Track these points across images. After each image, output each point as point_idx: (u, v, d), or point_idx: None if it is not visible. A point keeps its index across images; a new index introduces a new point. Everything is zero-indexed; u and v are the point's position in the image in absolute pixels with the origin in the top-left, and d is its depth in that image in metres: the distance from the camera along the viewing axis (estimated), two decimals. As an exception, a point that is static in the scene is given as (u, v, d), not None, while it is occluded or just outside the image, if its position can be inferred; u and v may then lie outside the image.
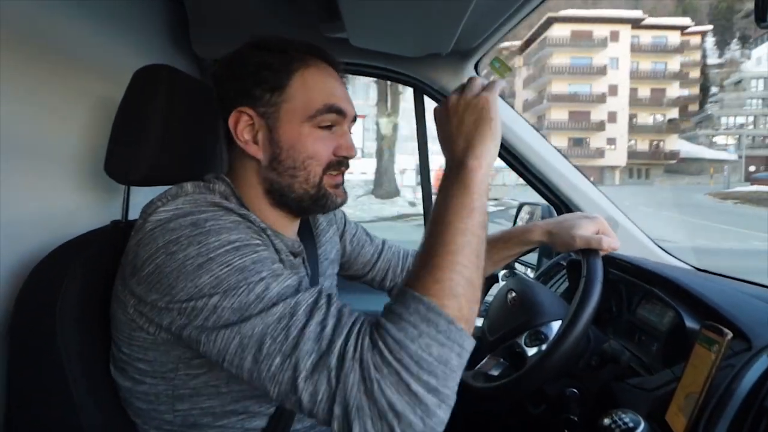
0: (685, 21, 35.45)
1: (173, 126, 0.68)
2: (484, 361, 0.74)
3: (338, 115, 0.59)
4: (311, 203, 0.61)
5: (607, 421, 0.51)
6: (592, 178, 1.13)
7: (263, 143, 0.58)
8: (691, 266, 0.93)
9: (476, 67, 1.11)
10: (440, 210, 0.48)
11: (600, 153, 32.65)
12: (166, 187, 0.75)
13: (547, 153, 1.09)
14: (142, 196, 0.76)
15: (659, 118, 33.79)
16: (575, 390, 0.66)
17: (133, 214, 0.73)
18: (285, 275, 0.47)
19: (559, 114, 33.40)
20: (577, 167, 1.11)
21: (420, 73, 1.12)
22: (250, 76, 0.58)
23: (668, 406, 0.54)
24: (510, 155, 1.12)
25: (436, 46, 1.00)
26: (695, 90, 38.52)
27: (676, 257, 0.97)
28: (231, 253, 0.46)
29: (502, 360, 0.72)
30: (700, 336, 0.53)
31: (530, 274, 1.17)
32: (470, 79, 0.55)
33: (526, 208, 1.26)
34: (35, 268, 0.59)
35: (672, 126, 32.73)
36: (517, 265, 1.24)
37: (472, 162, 0.49)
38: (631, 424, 0.49)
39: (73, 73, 0.78)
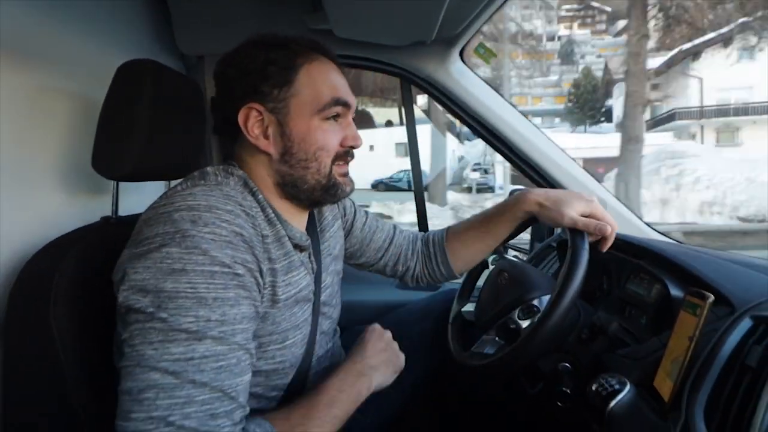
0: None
1: (160, 120, 0.68)
2: (478, 342, 0.76)
3: (344, 107, 0.62)
4: (322, 193, 0.62)
5: (594, 385, 0.52)
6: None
7: (274, 137, 0.60)
8: (676, 241, 0.95)
9: (461, 54, 1.12)
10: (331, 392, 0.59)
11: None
12: (155, 183, 0.76)
13: (534, 137, 1.10)
14: (131, 191, 0.76)
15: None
16: (567, 364, 0.67)
17: (123, 209, 0.74)
18: (230, 332, 0.48)
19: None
20: (564, 151, 1.12)
21: (405, 62, 1.13)
22: (257, 73, 0.59)
23: (656, 373, 0.55)
24: (499, 141, 1.13)
25: (420, 34, 1.00)
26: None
27: (661, 233, 0.99)
28: (205, 275, 0.47)
29: (496, 338, 0.73)
30: (685, 302, 0.55)
31: (522, 257, 1.18)
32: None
33: (516, 195, 1.28)
34: (26, 265, 0.59)
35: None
36: (509, 250, 1.25)
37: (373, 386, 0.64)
38: (617, 386, 0.50)
39: (57, 71, 0.78)
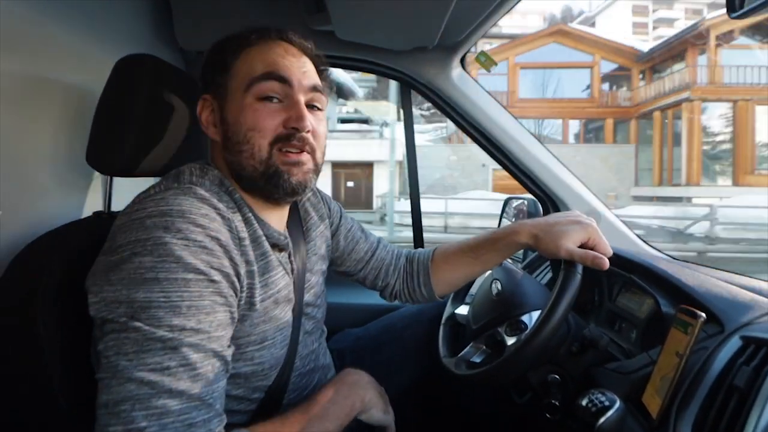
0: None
1: (157, 116, 0.68)
2: (467, 348, 0.76)
3: (282, 83, 0.57)
4: (265, 182, 0.57)
5: (584, 401, 0.52)
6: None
7: (217, 124, 0.60)
8: (668, 256, 0.95)
9: (462, 61, 1.12)
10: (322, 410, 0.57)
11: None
12: (149, 178, 0.75)
13: (531, 146, 1.11)
14: (125, 186, 0.75)
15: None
16: (557, 376, 0.67)
17: (116, 205, 0.73)
18: (206, 339, 0.47)
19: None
20: (560, 161, 1.13)
21: (406, 66, 1.13)
22: (209, 64, 0.61)
23: (645, 389, 0.56)
24: (495, 148, 1.13)
25: (422, 40, 1.00)
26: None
27: (654, 247, 0.99)
28: (178, 283, 0.46)
29: (484, 347, 0.73)
30: (676, 320, 0.55)
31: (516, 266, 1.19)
32: None
33: (512, 203, 1.27)
34: (15, 260, 0.58)
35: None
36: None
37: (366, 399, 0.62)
38: (606, 403, 0.50)
39: (54, 65, 0.76)
